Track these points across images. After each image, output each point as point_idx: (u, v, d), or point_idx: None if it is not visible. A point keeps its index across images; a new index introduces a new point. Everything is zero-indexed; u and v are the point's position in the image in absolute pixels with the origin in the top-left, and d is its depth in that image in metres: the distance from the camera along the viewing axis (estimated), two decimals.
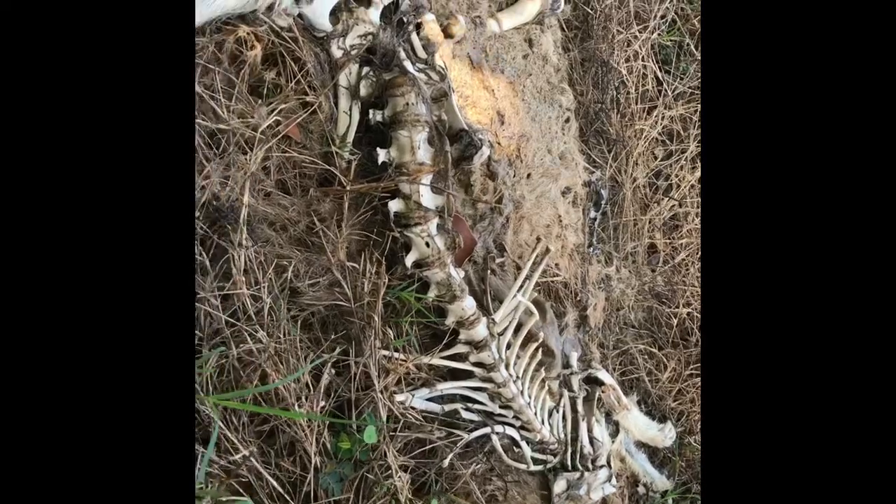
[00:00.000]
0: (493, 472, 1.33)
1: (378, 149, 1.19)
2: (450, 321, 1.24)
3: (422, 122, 1.18)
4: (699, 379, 1.86)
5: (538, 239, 1.39)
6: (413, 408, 1.21)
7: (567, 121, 1.70)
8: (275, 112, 1.09)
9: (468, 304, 1.23)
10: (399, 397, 1.17)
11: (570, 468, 1.44)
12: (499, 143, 1.48)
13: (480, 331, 1.24)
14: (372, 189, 1.18)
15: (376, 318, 1.11)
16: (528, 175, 1.57)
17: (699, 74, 2.01)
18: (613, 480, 1.48)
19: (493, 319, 1.27)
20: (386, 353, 1.16)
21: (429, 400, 1.26)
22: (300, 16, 1.13)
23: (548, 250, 1.33)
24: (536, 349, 1.35)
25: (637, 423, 1.69)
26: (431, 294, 1.22)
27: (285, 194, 1.15)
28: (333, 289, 1.14)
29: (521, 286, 1.31)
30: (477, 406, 1.31)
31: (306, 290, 1.12)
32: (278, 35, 1.12)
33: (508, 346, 1.32)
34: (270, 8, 1.08)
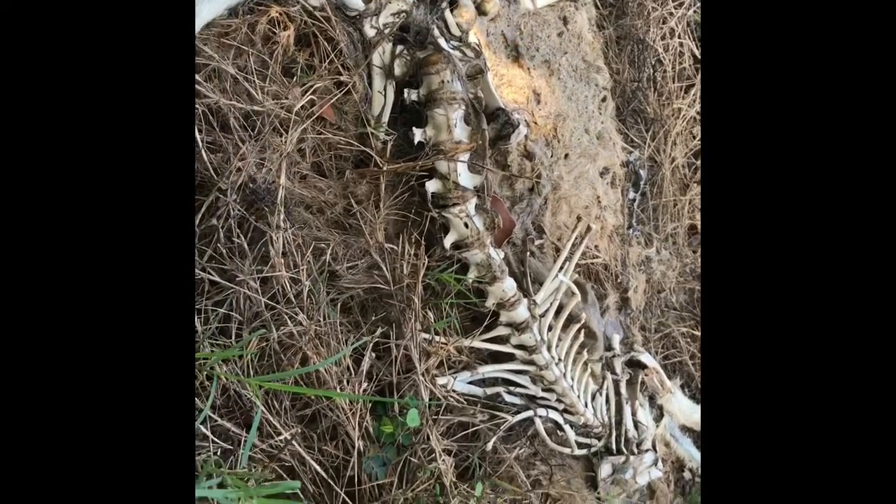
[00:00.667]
0: (537, 456, 1.30)
1: (414, 128, 1.17)
2: (490, 303, 1.22)
3: (458, 100, 1.16)
4: None
5: (578, 218, 1.36)
6: (455, 391, 1.19)
7: (604, 100, 1.66)
8: (309, 92, 1.07)
9: (508, 286, 1.21)
10: (441, 380, 1.15)
11: (614, 452, 1.40)
12: (535, 123, 1.45)
13: (521, 312, 1.22)
14: (408, 169, 1.16)
15: (416, 301, 1.09)
16: (566, 155, 1.54)
17: None
18: (660, 464, 1.45)
19: (534, 301, 1.25)
20: (426, 336, 1.14)
21: (470, 383, 1.23)
22: None
23: (589, 228, 1.30)
24: (578, 331, 1.32)
25: (681, 406, 1.65)
26: (471, 276, 1.19)
27: (321, 177, 1.14)
28: (372, 271, 1.12)
29: (562, 266, 1.28)
30: (519, 389, 1.29)
31: (345, 274, 1.10)
32: (311, 15, 1.11)
33: (550, 329, 1.29)
34: None
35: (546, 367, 1.26)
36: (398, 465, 1.08)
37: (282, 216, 1.02)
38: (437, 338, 1.17)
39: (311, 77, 1.10)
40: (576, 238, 1.30)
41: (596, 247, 1.58)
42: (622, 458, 1.39)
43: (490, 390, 1.24)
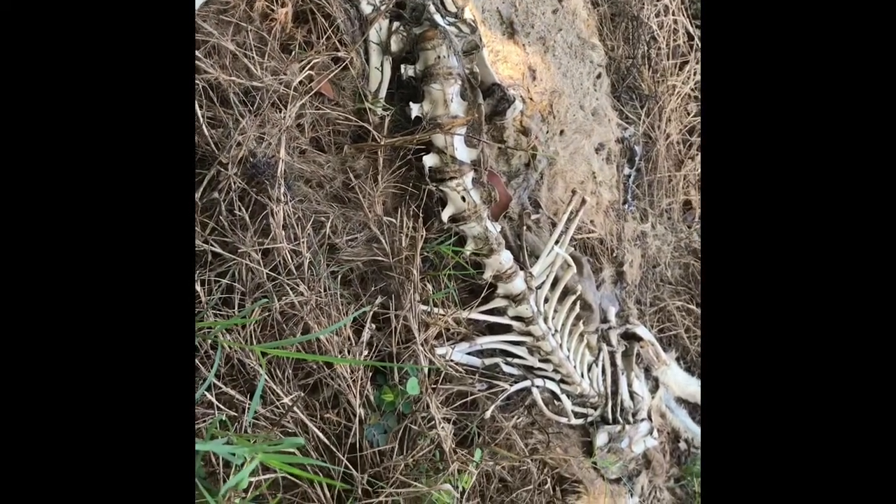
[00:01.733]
0: (535, 425, 1.33)
1: (411, 103, 1.18)
2: (487, 275, 1.24)
3: (454, 75, 1.17)
4: None
5: (573, 192, 1.38)
6: (454, 361, 1.21)
7: (598, 76, 1.68)
8: (306, 68, 1.09)
9: (505, 258, 1.23)
10: (440, 350, 1.18)
11: (610, 421, 1.43)
12: (531, 99, 1.47)
13: (518, 284, 1.24)
14: (406, 143, 1.18)
15: (415, 273, 1.11)
16: (561, 132, 1.56)
17: None
18: (655, 434, 1.48)
19: (530, 273, 1.27)
20: (425, 307, 1.16)
21: (469, 354, 1.26)
22: None
23: (584, 201, 1.32)
24: (574, 302, 1.34)
25: (676, 378, 1.68)
26: (469, 248, 1.22)
27: (320, 151, 1.15)
28: (371, 244, 1.14)
29: (558, 239, 1.31)
30: (517, 360, 1.31)
31: (344, 246, 1.13)
32: None
33: (546, 301, 1.31)
34: None
35: (542, 338, 1.29)
36: (398, 432, 1.10)
37: (282, 189, 1.04)
38: (435, 309, 1.19)
39: (308, 53, 1.12)
40: (571, 211, 1.32)
41: (592, 222, 1.61)
42: (618, 428, 1.42)
43: (488, 361, 1.27)
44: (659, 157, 1.80)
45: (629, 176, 1.73)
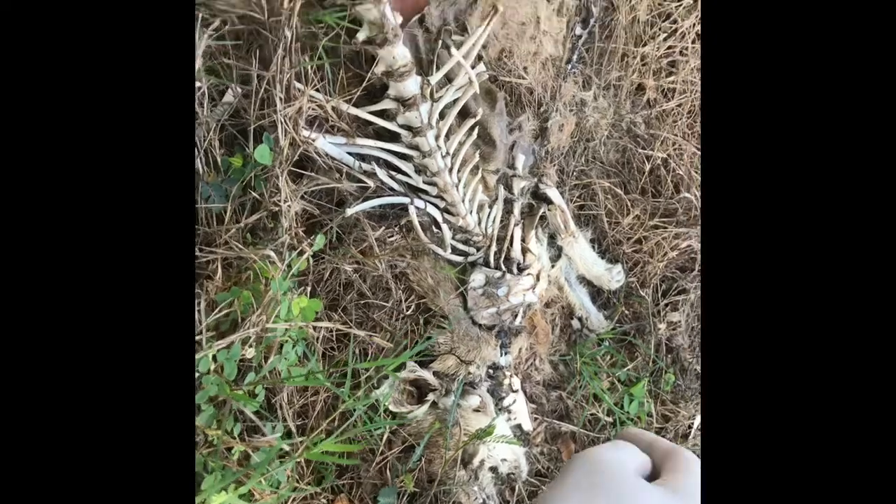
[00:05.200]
0: (408, 248, 1.27)
1: None
2: (379, 70, 1.15)
3: None
4: (663, 231, 1.77)
5: (493, 6, 1.28)
6: (324, 152, 1.13)
7: None
8: None
9: (400, 53, 1.13)
10: (306, 132, 1.09)
11: (492, 266, 1.37)
12: None
13: (410, 86, 1.15)
14: None
15: (288, 34, 1.02)
16: None
17: None
18: (537, 290, 1.41)
19: (427, 80, 1.18)
20: (299, 85, 1.08)
21: (348, 154, 1.18)
22: None
23: (496, 10, 1.22)
24: (472, 127, 1.26)
25: (584, 255, 1.61)
26: (362, 34, 1.12)
27: None
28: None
29: (467, 52, 1.21)
30: (399, 176, 1.24)
31: None
32: None
33: (442, 118, 1.23)
34: None
35: (430, 155, 1.21)
36: (240, 201, 1.03)
37: None
38: (314, 93, 1.11)
39: None
40: (488, 21, 1.22)
41: (525, 69, 1.51)
42: (498, 274, 1.35)
43: (366, 166, 1.19)
44: (618, 28, 1.69)
45: (579, 37, 1.62)
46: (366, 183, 1.16)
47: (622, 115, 1.72)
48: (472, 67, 1.26)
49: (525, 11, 1.48)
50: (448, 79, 1.26)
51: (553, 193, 1.50)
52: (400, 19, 1.14)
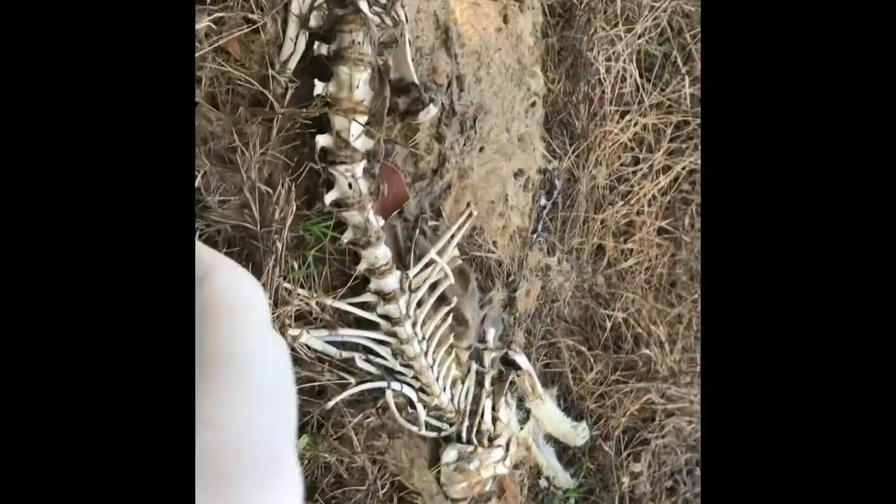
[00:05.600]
0: (384, 428, 1.32)
1: (317, 80, 1.17)
2: (361, 267, 1.23)
3: (365, 63, 1.17)
4: (624, 386, 1.85)
5: (468, 204, 1.38)
6: (307, 346, 1.19)
7: (533, 104, 1.69)
8: (213, 16, 1.08)
9: (381, 253, 1.22)
10: (292, 331, 1.16)
11: (464, 441, 1.42)
12: (452, 108, 1.46)
13: (390, 282, 1.23)
14: (303, 118, 1.16)
15: (279, 245, 1.10)
16: (482, 148, 1.56)
17: (681, 88, 1.99)
18: (507, 462, 1.47)
19: (406, 274, 1.26)
20: (287, 285, 1.15)
21: (328, 343, 1.24)
22: None
23: (471, 214, 1.32)
24: (447, 313, 1.33)
25: (550, 415, 1.68)
26: (347, 236, 1.20)
27: (213, 108, 1.14)
28: (243, 210, 1.13)
29: (442, 249, 1.30)
30: (378, 360, 1.30)
31: (215, 206, 1.11)
32: None
33: (420, 306, 1.30)
34: None
35: (407, 342, 1.27)
36: None
37: None
38: (300, 290, 1.17)
39: (219, 4, 1.11)
40: (462, 221, 1.32)
41: (494, 243, 1.61)
42: (470, 448, 1.41)
43: (346, 354, 1.25)
44: (579, 196, 1.81)
45: (544, 207, 1.73)
46: (347, 379, 1.22)
47: (584, 277, 1.82)
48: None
49: (494, 191, 1.59)
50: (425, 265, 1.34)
51: (521, 359, 1.58)
52: (382, 222, 1.23)
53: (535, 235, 1.71)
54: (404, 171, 1.39)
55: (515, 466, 1.62)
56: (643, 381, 1.87)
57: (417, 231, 1.36)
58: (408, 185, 1.38)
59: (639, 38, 1.93)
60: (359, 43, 1.17)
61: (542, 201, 1.74)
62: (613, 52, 1.87)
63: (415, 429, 1.34)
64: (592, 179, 1.85)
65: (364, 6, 1.20)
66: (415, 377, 1.33)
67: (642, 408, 1.87)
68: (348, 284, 1.22)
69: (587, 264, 1.85)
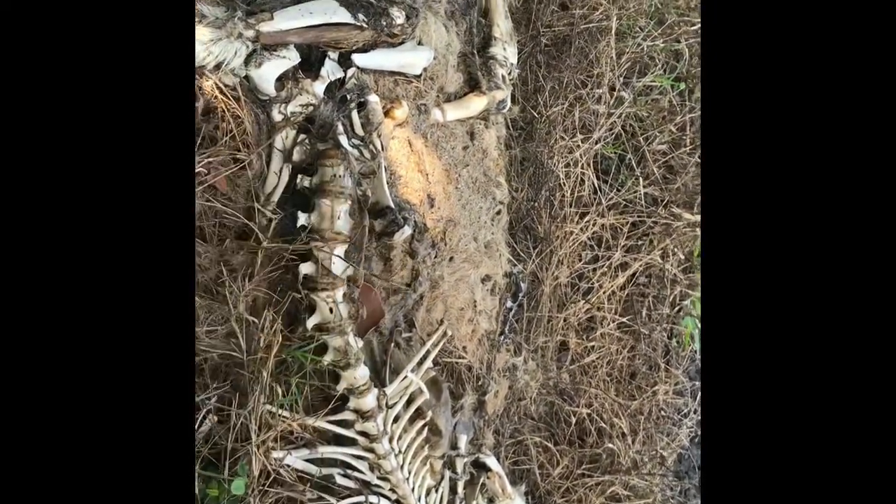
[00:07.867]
0: None
1: (300, 212, 1.24)
2: (341, 387, 1.28)
3: (345, 195, 1.24)
4: (589, 479, 1.91)
5: (440, 322, 1.45)
6: (289, 466, 1.23)
7: (498, 213, 1.78)
8: (205, 158, 1.14)
9: (360, 374, 1.27)
10: (276, 454, 1.20)
11: None
12: (425, 225, 1.54)
13: (369, 401, 1.28)
14: (286, 249, 1.23)
15: (265, 374, 1.15)
16: (451, 258, 1.64)
17: (636, 188, 2.11)
18: None
19: (383, 392, 1.32)
20: (271, 408, 1.19)
21: (308, 461, 1.28)
22: (246, 77, 1.20)
23: (446, 334, 1.38)
24: (423, 427, 1.39)
25: None
26: (328, 358, 1.26)
27: (202, 240, 1.20)
28: (230, 339, 1.18)
29: (417, 365, 1.36)
30: (356, 474, 1.34)
31: (202, 337, 1.15)
32: (222, 91, 1.19)
33: (396, 420, 1.36)
34: (218, 67, 1.14)
35: (384, 457, 1.32)
36: None
37: None
38: (283, 412, 1.22)
39: (210, 148, 1.17)
40: (436, 339, 1.38)
41: (464, 348, 1.67)
42: None
43: (326, 470, 1.29)
44: (543, 297, 1.90)
45: (510, 309, 1.81)
46: (326, 499, 1.26)
47: (549, 374, 1.89)
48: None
49: (463, 297, 1.67)
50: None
51: (491, 462, 1.63)
52: (360, 343, 1.29)
53: (502, 337, 1.78)
54: (379, 287, 1.46)
55: None
56: (607, 473, 1.93)
57: (392, 344, 1.42)
58: (383, 300, 1.45)
59: (595, 143, 2.05)
60: (339, 176, 1.24)
61: (509, 303, 1.82)
62: (572, 159, 1.99)
63: None
64: (555, 279, 1.94)
65: (344, 140, 1.28)
66: (391, 489, 1.37)
67: (607, 500, 1.93)
68: (330, 406, 1.26)
69: (552, 361, 1.92)
